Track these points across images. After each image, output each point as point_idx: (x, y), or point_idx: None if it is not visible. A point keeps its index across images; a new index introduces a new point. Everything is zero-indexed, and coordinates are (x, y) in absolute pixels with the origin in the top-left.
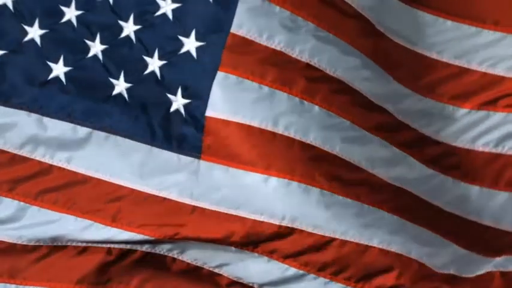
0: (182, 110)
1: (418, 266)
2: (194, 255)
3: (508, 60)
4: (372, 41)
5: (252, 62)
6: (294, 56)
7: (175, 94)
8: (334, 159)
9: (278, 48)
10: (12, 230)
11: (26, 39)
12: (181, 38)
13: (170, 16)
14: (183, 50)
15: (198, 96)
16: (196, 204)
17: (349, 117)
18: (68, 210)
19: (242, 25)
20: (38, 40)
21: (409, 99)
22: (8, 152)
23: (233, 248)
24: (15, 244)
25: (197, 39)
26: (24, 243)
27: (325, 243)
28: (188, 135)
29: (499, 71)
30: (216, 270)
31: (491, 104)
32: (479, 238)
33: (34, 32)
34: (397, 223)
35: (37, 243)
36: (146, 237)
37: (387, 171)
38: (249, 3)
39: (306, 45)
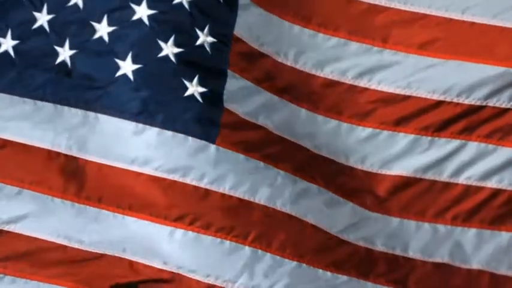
0: (199, 97)
1: None
2: None
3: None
4: None
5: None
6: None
7: (191, 81)
8: None
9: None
10: None
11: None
12: (197, 30)
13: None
14: (199, 42)
15: (215, 87)
16: None
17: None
18: None
19: (241, 28)
20: (46, 26)
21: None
22: None
23: None
24: None
25: (210, 34)
26: None
27: None
28: (205, 120)
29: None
30: None
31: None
32: None
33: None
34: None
35: None
36: None
37: None
38: (244, 9)
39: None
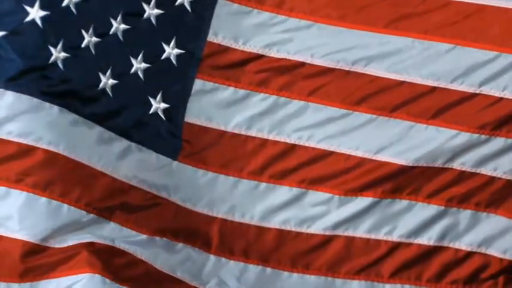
0: (161, 114)
1: None
2: None
3: None
4: None
5: (228, 68)
6: (272, 55)
7: (155, 97)
8: None
9: (255, 51)
10: None
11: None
12: (163, 44)
13: (154, 22)
14: (164, 56)
15: (177, 102)
16: None
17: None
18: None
19: (218, 33)
20: (39, 22)
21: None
22: None
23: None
24: None
25: (177, 46)
26: None
27: None
28: (166, 138)
29: None
30: None
31: None
32: None
33: (35, 13)
34: None
35: None
36: None
37: None
38: (224, 10)
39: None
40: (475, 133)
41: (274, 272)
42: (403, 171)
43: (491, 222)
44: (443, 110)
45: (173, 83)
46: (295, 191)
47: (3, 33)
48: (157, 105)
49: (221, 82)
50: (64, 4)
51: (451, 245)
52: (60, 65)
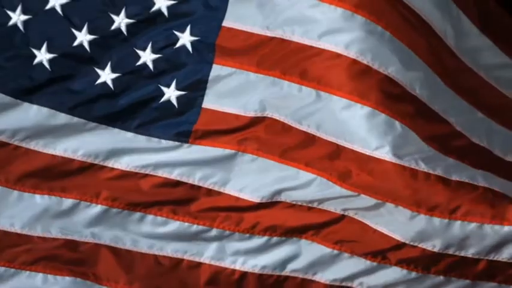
0: (174, 101)
1: None
2: None
3: None
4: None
5: (244, 52)
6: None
7: (168, 86)
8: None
9: (272, 35)
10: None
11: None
12: (176, 33)
13: (165, 12)
14: (179, 44)
15: (194, 88)
16: None
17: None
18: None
19: (233, 18)
20: (21, 26)
21: (469, 114)
22: None
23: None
24: None
25: (192, 34)
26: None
27: None
28: (179, 124)
29: None
30: None
31: None
32: None
33: (17, 18)
34: None
35: None
36: None
37: None
38: None
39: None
40: None
41: None
42: None
43: None
44: None
45: (190, 70)
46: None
47: None
48: (171, 93)
49: (238, 66)
50: (48, 6)
51: None
52: (47, 65)
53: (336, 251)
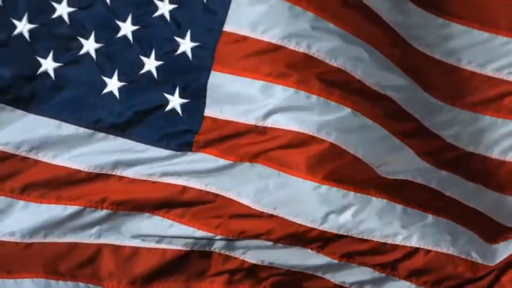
0: (179, 109)
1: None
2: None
3: None
4: (399, 49)
5: (245, 58)
6: (291, 48)
7: (172, 94)
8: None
9: (273, 42)
10: None
11: (16, 33)
12: (177, 38)
13: (168, 17)
14: (180, 50)
15: (196, 96)
16: None
17: (349, 105)
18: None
19: (234, 23)
20: (26, 35)
21: (438, 109)
22: None
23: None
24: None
25: (192, 39)
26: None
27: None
28: (183, 133)
29: None
30: None
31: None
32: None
33: (23, 27)
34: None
35: None
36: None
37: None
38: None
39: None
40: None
41: None
42: None
43: None
44: None
45: (191, 77)
46: None
47: None
48: (175, 101)
49: (238, 73)
50: (55, 15)
51: None
52: (52, 75)
53: None
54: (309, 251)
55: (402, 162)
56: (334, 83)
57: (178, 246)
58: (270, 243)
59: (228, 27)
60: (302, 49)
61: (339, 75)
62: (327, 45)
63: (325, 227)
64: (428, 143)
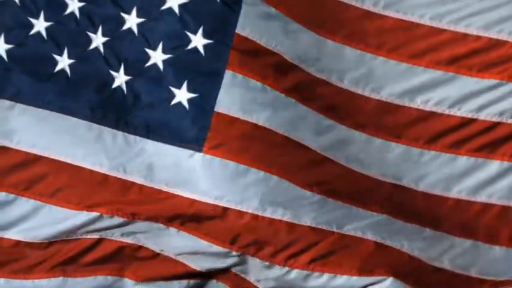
0: (186, 104)
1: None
2: None
3: None
4: None
5: (255, 63)
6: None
7: (178, 88)
8: None
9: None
10: None
11: (33, 32)
12: (188, 34)
13: (177, 11)
14: (191, 46)
15: (207, 92)
16: None
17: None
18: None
19: (246, 26)
20: (44, 33)
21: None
22: None
23: None
24: None
25: (204, 36)
26: None
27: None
28: (189, 129)
29: None
30: None
31: None
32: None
33: (40, 25)
34: None
35: None
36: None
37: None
38: (251, 4)
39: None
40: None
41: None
42: None
43: None
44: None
45: (201, 73)
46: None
47: (11, 46)
48: (182, 95)
49: (251, 76)
50: (68, 11)
51: None
52: (68, 72)
53: None
54: None
55: None
56: None
57: None
58: None
59: (240, 30)
60: None
61: None
62: None
63: None
64: None
